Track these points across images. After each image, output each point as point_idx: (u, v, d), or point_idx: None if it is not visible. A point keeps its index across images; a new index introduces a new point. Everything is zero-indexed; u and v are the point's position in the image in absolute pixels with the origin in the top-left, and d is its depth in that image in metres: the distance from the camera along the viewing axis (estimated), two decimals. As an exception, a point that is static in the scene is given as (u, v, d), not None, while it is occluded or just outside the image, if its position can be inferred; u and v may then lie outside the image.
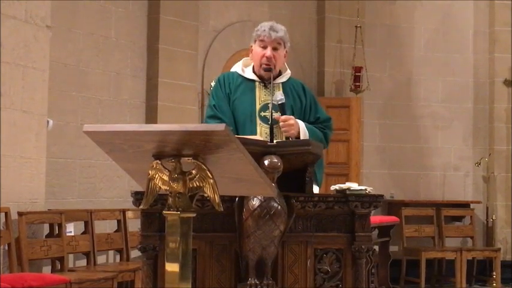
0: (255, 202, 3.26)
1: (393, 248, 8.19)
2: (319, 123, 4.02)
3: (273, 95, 3.83)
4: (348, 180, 4.75)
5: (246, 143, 2.86)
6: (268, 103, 3.86)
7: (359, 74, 9.00)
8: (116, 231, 6.93)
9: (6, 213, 5.52)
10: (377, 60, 9.36)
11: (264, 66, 3.95)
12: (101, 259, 6.85)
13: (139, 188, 2.60)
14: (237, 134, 3.76)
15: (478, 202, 9.39)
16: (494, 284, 8.65)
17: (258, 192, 2.79)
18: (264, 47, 3.94)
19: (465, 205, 9.39)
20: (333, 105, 8.65)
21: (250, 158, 2.18)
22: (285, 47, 3.99)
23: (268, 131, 3.73)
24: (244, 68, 4.08)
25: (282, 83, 4.05)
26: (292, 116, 3.85)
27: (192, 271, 3.26)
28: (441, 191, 9.55)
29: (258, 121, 3.92)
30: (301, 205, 3.45)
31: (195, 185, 2.24)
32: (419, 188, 9.52)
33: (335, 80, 9.24)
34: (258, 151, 3.23)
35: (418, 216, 9.01)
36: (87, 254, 6.52)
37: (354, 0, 9.06)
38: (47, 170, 6.13)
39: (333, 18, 9.25)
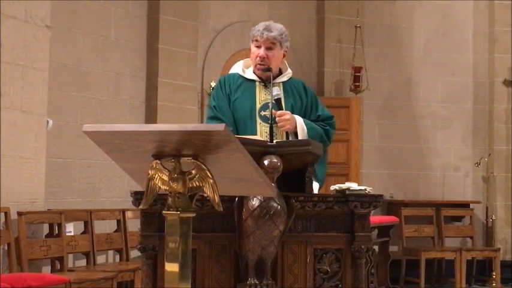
0: (255, 202, 3.26)
1: (393, 248, 8.20)
2: (320, 121, 4.02)
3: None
4: (347, 180, 4.75)
5: (245, 142, 2.86)
6: (268, 102, 3.87)
7: (359, 74, 9.00)
8: (115, 231, 6.93)
9: (5, 213, 5.52)
10: (377, 60, 9.37)
11: (258, 66, 3.95)
12: (100, 259, 6.85)
13: (139, 188, 2.60)
14: (238, 134, 3.76)
15: (478, 202, 9.39)
16: (494, 284, 8.65)
17: (258, 192, 2.79)
18: (258, 47, 3.94)
19: (465, 205, 9.39)
20: (332, 105, 8.59)
21: (249, 158, 2.18)
22: (281, 47, 3.97)
23: (268, 130, 3.73)
24: (245, 69, 4.09)
25: (282, 82, 4.05)
26: (288, 111, 3.85)
27: (192, 271, 3.26)
28: (441, 191, 9.55)
29: (258, 120, 3.93)
30: (301, 205, 3.46)
31: (194, 185, 2.24)
32: (419, 188, 9.52)
33: (335, 80, 9.25)
34: (258, 151, 3.23)
35: (418, 216, 9.01)
36: (86, 254, 6.52)
37: (354, 0, 9.07)
38: (46, 170, 6.13)
39: (332, 18, 9.25)
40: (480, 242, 9.35)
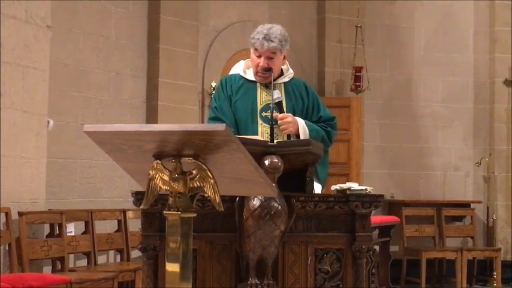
0: (256, 202, 3.26)
1: (394, 248, 8.19)
2: (321, 122, 4.01)
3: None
4: (348, 180, 4.75)
5: (246, 143, 2.86)
6: (269, 103, 3.86)
7: (359, 74, 9.00)
8: (116, 231, 6.93)
9: (6, 213, 5.52)
10: (377, 60, 9.36)
11: (259, 74, 3.94)
12: (101, 259, 6.85)
13: (140, 188, 2.60)
14: (239, 135, 3.76)
15: (479, 202, 9.39)
16: (495, 284, 8.65)
17: (259, 192, 2.79)
18: (259, 56, 3.92)
19: (465, 205, 9.39)
20: (333, 105, 8.59)
21: (250, 158, 2.18)
22: (282, 52, 3.94)
23: (269, 130, 3.72)
24: (246, 70, 4.08)
25: (284, 83, 4.05)
26: (289, 114, 3.85)
27: (193, 271, 3.26)
28: (441, 191, 9.55)
29: (260, 121, 3.93)
30: (302, 205, 3.46)
31: (195, 185, 2.24)
32: (420, 188, 9.52)
33: (335, 80, 9.25)
34: (259, 151, 3.23)
35: (419, 216, 9.01)
36: (87, 254, 6.52)
37: (354, 0, 9.06)
38: (47, 170, 6.13)
39: (333, 18, 9.24)
40: (481, 242, 9.35)
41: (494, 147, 9.43)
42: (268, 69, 3.91)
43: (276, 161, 3.24)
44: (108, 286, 5.72)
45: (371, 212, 3.61)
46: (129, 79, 7.64)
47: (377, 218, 6.76)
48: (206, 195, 2.23)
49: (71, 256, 6.59)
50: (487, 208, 9.34)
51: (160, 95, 7.74)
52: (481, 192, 9.53)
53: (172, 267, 2.25)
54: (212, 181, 2.20)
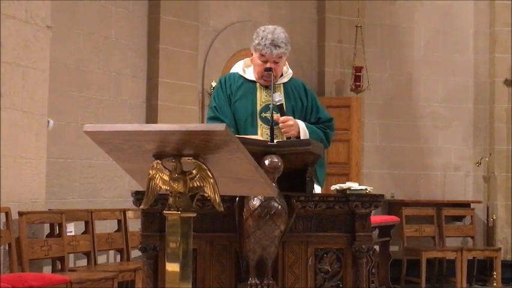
0: (256, 202, 3.26)
1: (393, 248, 8.19)
2: (320, 123, 4.01)
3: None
4: (348, 180, 4.75)
5: (246, 142, 2.86)
6: (269, 104, 3.86)
7: (359, 73, 9.00)
8: (116, 231, 6.93)
9: (6, 213, 5.52)
10: (377, 60, 9.36)
11: (265, 79, 3.93)
12: (101, 259, 6.85)
13: (140, 188, 2.60)
14: (238, 135, 3.76)
15: (479, 202, 9.39)
16: (495, 284, 8.65)
17: (259, 192, 2.79)
18: (265, 62, 3.92)
19: (465, 205, 9.39)
20: (333, 105, 8.63)
21: (250, 158, 2.18)
22: (286, 55, 3.95)
23: (269, 131, 3.72)
24: (245, 69, 4.07)
25: (283, 83, 4.04)
26: (291, 117, 3.84)
27: (193, 271, 3.26)
28: (441, 190, 9.55)
29: (259, 122, 3.92)
30: (302, 205, 3.46)
31: (195, 185, 2.23)
32: (420, 188, 9.52)
33: (335, 80, 9.25)
34: (259, 151, 3.23)
35: (419, 216, 9.01)
36: (87, 254, 6.52)
37: (354, 0, 9.06)
38: (47, 170, 6.13)
39: (333, 18, 9.25)
40: (481, 242, 9.35)
41: (494, 147, 9.43)
42: (269, 69, 3.90)
43: (276, 160, 3.24)
44: (108, 286, 5.72)
45: (371, 212, 3.61)
46: (129, 79, 7.64)
47: (377, 218, 6.76)
48: (206, 195, 2.22)
49: (71, 256, 6.59)
50: (487, 208, 9.34)
51: (160, 95, 7.74)
52: (481, 192, 9.53)
53: (172, 267, 2.25)
54: (212, 181, 2.20)
